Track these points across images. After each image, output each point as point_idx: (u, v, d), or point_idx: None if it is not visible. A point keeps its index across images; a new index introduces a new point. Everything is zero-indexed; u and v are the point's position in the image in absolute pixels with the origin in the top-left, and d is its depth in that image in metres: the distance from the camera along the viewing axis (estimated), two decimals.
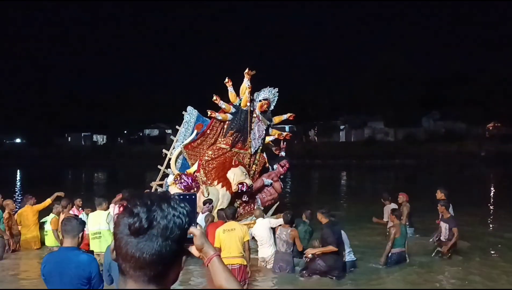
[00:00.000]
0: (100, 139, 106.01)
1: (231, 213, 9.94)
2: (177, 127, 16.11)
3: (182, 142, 15.51)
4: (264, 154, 16.01)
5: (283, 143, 16.28)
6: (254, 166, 15.63)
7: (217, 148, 15.10)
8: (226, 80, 15.24)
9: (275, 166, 15.72)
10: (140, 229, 1.61)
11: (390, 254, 11.13)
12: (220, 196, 14.06)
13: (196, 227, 1.92)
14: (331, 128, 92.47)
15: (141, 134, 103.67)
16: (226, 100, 15.41)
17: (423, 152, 70.47)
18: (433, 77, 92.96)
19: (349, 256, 10.93)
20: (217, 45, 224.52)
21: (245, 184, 14.21)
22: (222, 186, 14.27)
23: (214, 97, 15.17)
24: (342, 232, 10.92)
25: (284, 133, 16.46)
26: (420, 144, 76.52)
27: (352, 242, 11.55)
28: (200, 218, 11.67)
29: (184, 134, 15.73)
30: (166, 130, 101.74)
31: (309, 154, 69.99)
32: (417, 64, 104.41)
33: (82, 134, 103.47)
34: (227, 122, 15.37)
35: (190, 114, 15.84)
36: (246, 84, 15.08)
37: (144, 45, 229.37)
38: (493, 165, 56.08)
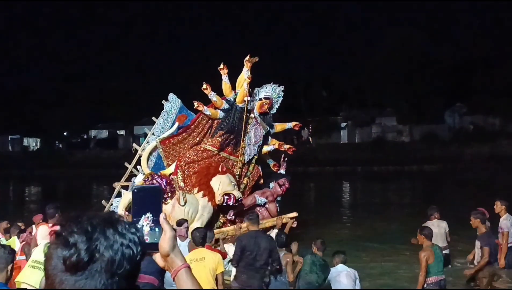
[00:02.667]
0: (32, 143, 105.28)
1: (200, 237, 9.70)
2: (153, 118, 16.17)
3: (159, 136, 15.49)
4: (260, 168, 16.13)
5: (284, 159, 16.39)
6: (246, 178, 15.72)
7: (202, 149, 15.17)
8: (221, 66, 15.19)
9: (271, 184, 15.86)
10: (78, 263, 1.55)
11: (425, 285, 11.06)
12: (200, 207, 14.11)
13: (162, 231, 1.93)
14: (330, 126, 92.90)
15: (85, 136, 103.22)
16: (218, 92, 15.41)
17: (447, 155, 71.05)
18: (458, 61, 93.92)
19: None
20: (193, 22, 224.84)
21: (232, 196, 14.26)
22: (204, 196, 14.30)
23: (204, 86, 15.10)
24: (347, 271, 10.92)
25: (287, 146, 16.55)
26: (443, 145, 77.23)
27: (369, 271, 11.61)
28: (183, 246, 11.51)
29: (162, 126, 15.78)
30: (118, 131, 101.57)
31: (302, 159, 70.13)
32: (438, 45, 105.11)
33: (9, 137, 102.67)
34: (216, 120, 15.44)
35: (172, 103, 15.96)
36: (245, 74, 15.20)
37: (89, 20, 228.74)
38: None
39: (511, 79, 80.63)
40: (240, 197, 14.62)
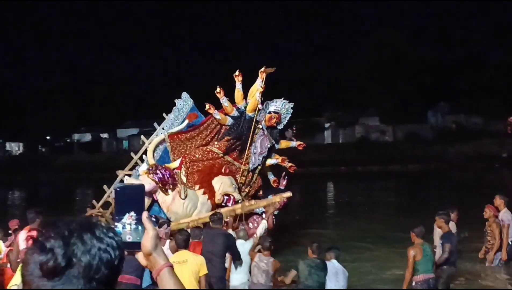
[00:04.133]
0: (15, 147, 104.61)
1: (182, 240, 9.66)
2: (164, 115, 16.45)
3: (168, 131, 15.75)
4: (261, 179, 16.39)
5: (284, 177, 16.53)
6: (248, 187, 15.97)
7: (208, 150, 15.45)
8: (237, 72, 15.45)
9: (270, 197, 15.89)
10: (55, 269, 1.53)
11: (413, 284, 11.03)
12: (199, 203, 14.35)
13: (148, 229, 1.92)
14: (313, 127, 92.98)
15: (68, 140, 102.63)
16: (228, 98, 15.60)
17: (430, 154, 71.38)
18: (441, 61, 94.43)
19: None
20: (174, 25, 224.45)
21: (232, 197, 14.53)
22: (204, 193, 14.58)
23: (218, 89, 15.40)
24: (335, 265, 11.05)
25: (289, 164, 16.73)
26: (426, 144, 77.65)
27: (355, 271, 11.63)
28: (165, 249, 11.47)
29: (172, 122, 16.05)
30: (102, 135, 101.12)
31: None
32: (421, 45, 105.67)
33: None
34: (225, 126, 15.75)
35: (185, 101, 16.31)
36: (258, 85, 15.38)
37: (69, 24, 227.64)
38: None
39: (494, 78, 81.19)
40: (240, 199, 14.85)
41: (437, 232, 12.81)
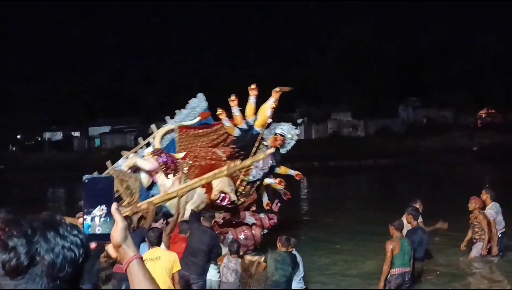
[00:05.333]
0: None
1: (155, 238, 9.64)
2: (176, 111, 16.87)
3: (180, 122, 16.28)
4: (256, 194, 16.54)
5: (277, 203, 16.69)
6: (244, 198, 16.06)
7: (212, 151, 15.71)
8: (253, 86, 15.78)
9: (261, 215, 16.15)
10: (18, 267, 1.52)
11: (388, 276, 11.03)
12: (196, 194, 14.59)
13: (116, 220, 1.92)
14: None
15: (39, 139, 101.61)
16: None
17: (402, 148, 71.92)
18: (411, 56, 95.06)
19: (298, 284, 11.32)
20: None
21: (228, 197, 14.70)
22: (202, 187, 14.80)
23: (233, 97, 15.65)
24: (296, 254, 11.35)
25: (285, 190, 16.91)
26: (398, 139, 78.29)
27: (331, 267, 11.62)
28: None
29: (185, 117, 16.51)
30: (73, 133, 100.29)
31: None
32: (390, 41, 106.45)
33: None
34: (231, 136, 15.99)
35: (200, 102, 16.75)
36: (271, 102, 15.64)
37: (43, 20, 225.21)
38: (488, 161, 57.55)
39: (463, 72, 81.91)
40: (235, 200, 15.06)
41: (406, 227, 12.88)
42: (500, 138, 71.97)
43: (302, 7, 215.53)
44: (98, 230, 1.99)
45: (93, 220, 2.00)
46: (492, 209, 13.75)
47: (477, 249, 13.74)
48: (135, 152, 16.40)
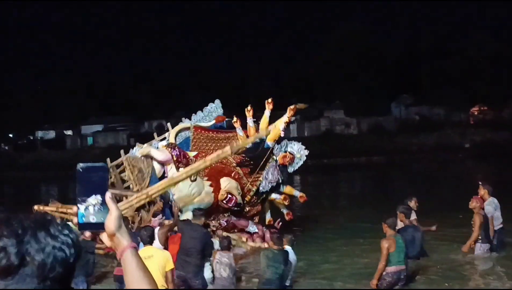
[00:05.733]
0: None
1: (147, 236, 9.69)
2: (193, 114, 17.60)
3: (195, 123, 17.10)
4: (260, 207, 16.99)
5: (278, 222, 16.95)
6: (249, 207, 16.52)
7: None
8: (269, 100, 16.34)
9: (264, 228, 16.44)
10: (8, 267, 1.52)
11: (384, 274, 11.02)
12: (204, 192, 15.20)
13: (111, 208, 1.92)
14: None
15: (32, 138, 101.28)
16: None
17: (394, 146, 72.05)
18: (403, 53, 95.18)
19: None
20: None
21: (234, 198, 15.19)
22: (211, 186, 15.40)
23: (249, 107, 16.03)
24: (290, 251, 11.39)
25: (286, 211, 17.28)
26: (390, 136, 78.45)
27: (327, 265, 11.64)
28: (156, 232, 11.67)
29: (201, 119, 17.37)
30: (65, 131, 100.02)
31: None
32: (383, 38, 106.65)
33: None
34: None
35: (217, 107, 17.68)
36: (285, 118, 16.10)
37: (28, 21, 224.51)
38: (481, 158, 57.61)
39: (455, 70, 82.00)
40: (241, 203, 15.57)
41: (399, 225, 12.85)
42: (492, 135, 72.24)
43: (296, 4, 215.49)
44: (93, 219, 1.99)
45: (87, 209, 2.00)
46: (491, 205, 13.61)
47: (480, 249, 13.61)
48: (150, 144, 17.07)
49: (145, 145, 16.73)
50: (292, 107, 16.20)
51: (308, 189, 41.55)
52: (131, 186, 15.87)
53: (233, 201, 15.22)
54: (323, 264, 14.32)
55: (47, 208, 15.62)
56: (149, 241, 9.62)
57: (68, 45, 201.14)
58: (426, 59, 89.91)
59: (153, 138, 17.95)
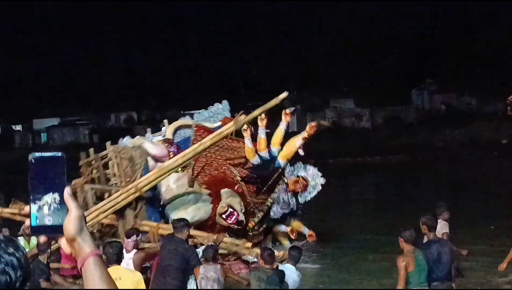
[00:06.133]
0: None
1: (113, 254, 9.55)
2: (196, 112, 18.20)
3: (198, 121, 17.34)
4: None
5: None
6: (252, 234, 16.43)
7: (227, 166, 16.41)
8: (288, 111, 16.78)
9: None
10: None
11: None
12: (201, 200, 15.44)
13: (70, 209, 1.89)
14: (275, 111, 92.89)
15: None
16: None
17: (415, 142, 71.88)
18: (426, 30, 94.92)
19: None
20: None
21: (236, 213, 15.06)
22: (210, 195, 15.60)
23: (263, 115, 16.05)
24: (290, 270, 11.31)
25: (308, 231, 17.39)
26: (410, 131, 78.39)
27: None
28: (127, 258, 11.51)
29: (205, 118, 17.69)
30: (14, 127, 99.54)
31: None
32: (401, 12, 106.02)
33: None
34: (250, 162, 16.45)
35: (224, 108, 17.90)
36: (303, 134, 16.60)
37: None
38: None
39: (488, 50, 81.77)
40: (243, 221, 15.40)
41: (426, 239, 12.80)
42: None
43: None
44: (48, 221, 1.95)
45: (42, 209, 1.96)
46: None
47: None
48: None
49: (137, 137, 17.11)
50: (313, 124, 16.63)
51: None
52: (117, 183, 15.85)
53: (234, 217, 15.12)
54: (334, 284, 14.33)
55: (7, 211, 15.59)
56: (116, 259, 9.37)
57: (15, 25, 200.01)
58: (454, 37, 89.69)
59: (121, 134, 18.02)
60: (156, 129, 19.67)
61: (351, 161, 66.11)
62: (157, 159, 15.23)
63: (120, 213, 14.26)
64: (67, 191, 1.96)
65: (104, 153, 16.98)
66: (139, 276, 9.50)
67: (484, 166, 52.65)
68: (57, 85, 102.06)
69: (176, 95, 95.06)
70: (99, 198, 15.25)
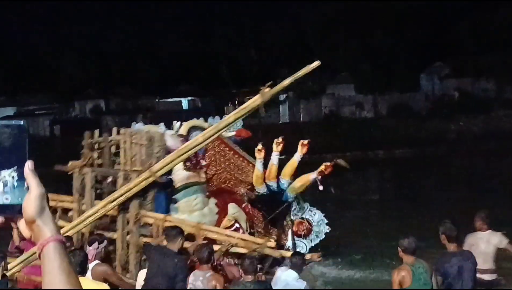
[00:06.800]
0: None
1: (76, 264, 9.42)
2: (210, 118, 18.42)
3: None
4: None
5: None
6: None
7: (235, 183, 17.05)
8: (305, 141, 16.90)
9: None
10: None
11: None
12: (208, 208, 15.84)
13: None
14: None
15: None
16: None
17: (425, 134, 72.24)
18: (437, 5, 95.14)
19: None
20: None
21: (242, 230, 15.50)
22: (217, 206, 15.99)
23: (280, 139, 16.49)
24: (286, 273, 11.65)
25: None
26: (420, 120, 78.85)
27: None
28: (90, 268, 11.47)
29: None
30: None
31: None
32: None
33: None
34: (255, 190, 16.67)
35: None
36: (314, 175, 16.46)
37: None
38: None
39: (508, 27, 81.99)
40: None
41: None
42: None
43: None
44: (6, 199, 1.98)
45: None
46: None
47: None
48: None
49: (151, 125, 17.72)
50: (330, 163, 16.75)
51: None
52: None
53: (239, 232, 15.48)
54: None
55: None
56: (80, 270, 9.33)
57: None
58: (469, 13, 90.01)
59: (87, 125, 18.08)
60: (128, 119, 19.85)
61: (351, 156, 66.04)
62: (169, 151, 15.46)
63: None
64: (28, 165, 1.98)
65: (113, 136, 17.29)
66: (105, 288, 9.61)
67: (504, 160, 52.78)
68: (12, 70, 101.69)
69: (150, 81, 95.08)
70: (99, 182, 15.54)
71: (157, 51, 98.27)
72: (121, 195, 13.29)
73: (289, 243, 16.73)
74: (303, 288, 11.61)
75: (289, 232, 16.86)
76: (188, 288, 11.47)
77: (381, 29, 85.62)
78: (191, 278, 11.45)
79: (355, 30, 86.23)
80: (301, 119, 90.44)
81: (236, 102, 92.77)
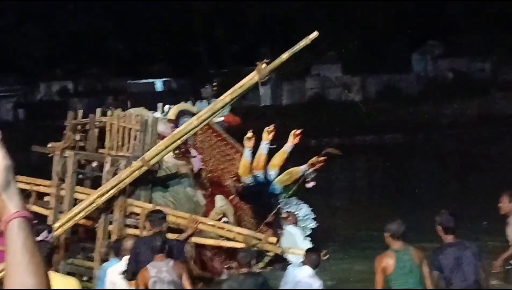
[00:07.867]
0: None
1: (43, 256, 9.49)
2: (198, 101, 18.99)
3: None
4: None
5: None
6: None
7: (222, 173, 17.40)
8: (298, 131, 17.25)
9: None
10: None
11: None
12: (196, 199, 16.07)
13: None
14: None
15: None
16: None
17: (416, 118, 72.42)
18: None
19: None
20: None
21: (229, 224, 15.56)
22: (206, 197, 16.29)
23: (272, 127, 17.01)
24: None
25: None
26: (411, 103, 79.08)
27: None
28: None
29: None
30: None
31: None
32: None
33: None
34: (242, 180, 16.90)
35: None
36: (304, 167, 16.99)
37: None
38: None
39: (509, 4, 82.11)
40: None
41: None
42: None
43: None
44: None
45: None
46: None
47: None
48: None
49: (141, 108, 17.71)
50: (329, 151, 17.38)
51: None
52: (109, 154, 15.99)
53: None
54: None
55: None
56: (46, 262, 9.30)
57: None
58: None
59: (54, 108, 18.06)
60: (98, 101, 19.90)
61: (338, 141, 66.12)
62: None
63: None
64: None
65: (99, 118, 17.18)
66: (74, 283, 9.56)
67: (500, 145, 52.95)
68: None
69: (120, 61, 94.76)
70: (82, 167, 15.65)
71: (128, 28, 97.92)
72: (113, 188, 13.37)
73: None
74: (317, 286, 11.39)
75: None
76: (152, 281, 11.40)
77: (370, 4, 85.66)
78: (152, 271, 11.32)
79: (342, 6, 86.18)
80: (284, 101, 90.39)
81: (214, 83, 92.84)
